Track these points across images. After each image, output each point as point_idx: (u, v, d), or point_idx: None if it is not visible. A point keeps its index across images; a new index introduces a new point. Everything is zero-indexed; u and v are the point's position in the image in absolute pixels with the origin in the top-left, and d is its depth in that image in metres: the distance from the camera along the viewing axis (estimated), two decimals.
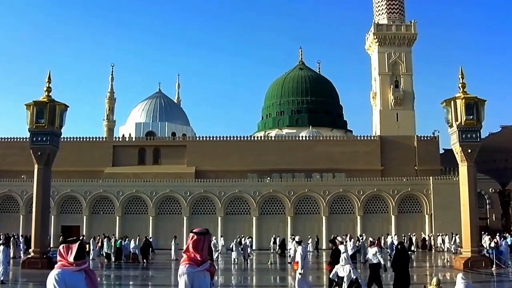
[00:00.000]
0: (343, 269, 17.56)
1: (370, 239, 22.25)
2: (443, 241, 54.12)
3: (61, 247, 5.94)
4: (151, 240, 45.69)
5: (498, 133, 58.73)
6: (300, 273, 17.72)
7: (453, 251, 48.37)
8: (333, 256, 19.58)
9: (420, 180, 62.39)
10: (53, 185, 41.62)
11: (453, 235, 50.94)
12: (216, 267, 17.96)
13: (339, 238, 21.74)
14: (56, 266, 5.91)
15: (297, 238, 19.88)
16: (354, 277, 16.92)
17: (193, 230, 6.47)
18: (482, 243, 42.20)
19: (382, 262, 19.65)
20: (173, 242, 44.73)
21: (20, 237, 49.58)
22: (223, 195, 60.77)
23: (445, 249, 52.12)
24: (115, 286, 29.14)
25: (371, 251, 19.97)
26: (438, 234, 55.80)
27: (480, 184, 53.22)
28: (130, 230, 56.13)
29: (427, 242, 56.41)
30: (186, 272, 6.12)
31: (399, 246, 19.70)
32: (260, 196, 60.86)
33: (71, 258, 5.83)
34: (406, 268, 18.71)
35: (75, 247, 5.89)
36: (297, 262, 17.88)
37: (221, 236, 51.69)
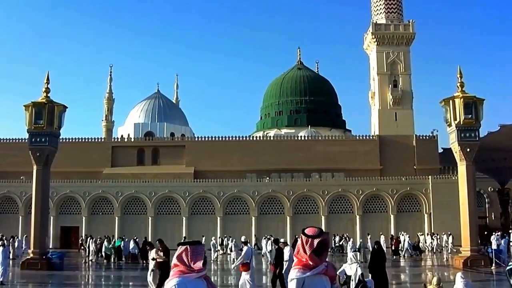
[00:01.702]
0: (350, 268, 17.54)
1: (282, 239, 22.02)
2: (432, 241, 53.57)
3: (181, 249, 5.21)
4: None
5: (497, 132, 58.61)
6: (244, 273, 17.64)
7: (448, 251, 48.39)
8: (277, 256, 19.51)
9: (419, 180, 62.47)
10: (52, 186, 41.65)
11: (447, 235, 51.10)
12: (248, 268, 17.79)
13: (281, 240, 21.59)
14: (172, 273, 5.18)
15: (243, 238, 19.75)
16: (360, 274, 16.88)
17: (305, 232, 5.64)
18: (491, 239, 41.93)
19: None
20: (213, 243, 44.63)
21: (15, 238, 49.58)
22: (222, 195, 60.79)
23: (434, 250, 51.64)
24: (115, 286, 29.15)
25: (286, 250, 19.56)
26: (426, 233, 55.48)
27: (479, 183, 53.14)
28: (129, 230, 56.07)
29: (421, 244, 55.76)
30: (295, 277, 5.46)
31: (375, 246, 19.37)
32: (259, 196, 60.89)
33: (197, 264, 5.14)
34: (383, 269, 18.40)
35: (202, 251, 5.23)
36: (246, 264, 17.73)
37: (225, 236, 51.68)
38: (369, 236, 50.02)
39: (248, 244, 19.03)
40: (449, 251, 48.14)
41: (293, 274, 5.48)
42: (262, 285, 24.44)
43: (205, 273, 5.24)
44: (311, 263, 5.44)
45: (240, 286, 17.73)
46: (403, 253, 45.85)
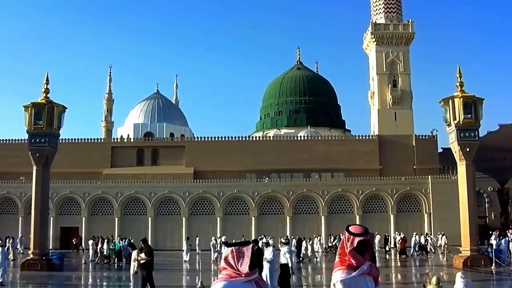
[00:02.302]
0: None
1: (282, 239, 21.83)
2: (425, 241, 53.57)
3: (228, 251, 4.88)
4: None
5: (497, 131, 58.64)
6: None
7: (441, 251, 48.41)
8: (256, 256, 19.34)
9: (419, 179, 62.47)
10: (51, 187, 41.63)
11: (441, 235, 51.18)
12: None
13: (264, 240, 21.39)
14: (220, 276, 4.86)
15: (223, 239, 19.64)
16: None
17: (349, 229, 5.35)
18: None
19: (290, 263, 18.75)
20: (185, 242, 44.60)
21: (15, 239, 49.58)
22: (222, 195, 60.77)
23: (428, 250, 51.68)
24: (115, 287, 29.15)
25: (282, 251, 19.36)
26: (420, 233, 55.37)
27: (478, 182, 53.28)
28: (129, 231, 56.11)
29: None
30: (340, 278, 5.18)
31: None
32: (259, 196, 60.88)
33: (243, 268, 4.79)
34: None
35: (247, 252, 4.85)
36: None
37: (220, 237, 51.58)
38: (416, 235, 50.23)
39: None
40: (442, 251, 48.16)
41: (338, 276, 5.21)
42: None
43: (256, 277, 4.89)
44: (353, 261, 5.20)
45: None
46: (410, 253, 46.04)
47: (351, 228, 5.31)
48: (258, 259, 16.31)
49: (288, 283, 18.54)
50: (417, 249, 46.92)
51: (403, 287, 28.26)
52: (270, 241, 20.03)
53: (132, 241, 41.70)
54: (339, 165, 67.50)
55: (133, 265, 19.72)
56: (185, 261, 41.13)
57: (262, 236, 45.72)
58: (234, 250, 4.85)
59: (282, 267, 18.67)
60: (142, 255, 19.56)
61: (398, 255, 45.24)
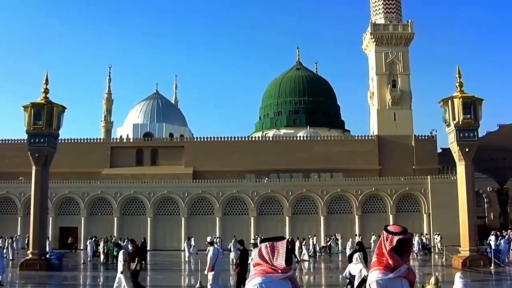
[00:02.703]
0: (355, 268, 17.49)
1: (252, 241, 21.77)
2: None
3: (262, 246, 4.71)
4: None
5: (496, 132, 58.71)
6: (210, 274, 17.55)
7: (436, 251, 48.51)
8: (241, 258, 19.32)
9: (418, 180, 62.47)
10: (51, 187, 41.62)
11: (436, 235, 51.36)
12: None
13: (251, 241, 21.31)
14: (254, 272, 4.69)
15: (208, 239, 19.56)
16: (366, 275, 16.82)
17: (387, 228, 5.14)
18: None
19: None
20: (186, 243, 44.58)
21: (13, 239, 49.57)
22: (221, 195, 60.76)
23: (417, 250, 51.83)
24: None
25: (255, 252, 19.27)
26: (373, 233, 55.48)
27: (478, 183, 53.33)
28: (128, 231, 56.13)
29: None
30: (376, 279, 4.99)
31: (357, 247, 19.05)
32: (258, 196, 60.87)
33: (279, 262, 4.60)
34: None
35: (282, 247, 4.66)
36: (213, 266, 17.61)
37: (215, 237, 51.60)
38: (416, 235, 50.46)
39: (215, 245, 18.74)
40: (436, 251, 48.18)
41: (374, 276, 5.01)
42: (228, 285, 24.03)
43: (291, 274, 4.74)
44: (391, 262, 4.98)
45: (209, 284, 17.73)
46: (414, 253, 46.13)
47: (389, 228, 5.12)
48: (245, 261, 16.30)
49: None
50: (420, 249, 47.03)
51: None
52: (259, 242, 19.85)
53: (126, 241, 41.86)
54: (339, 165, 67.50)
55: (120, 265, 19.57)
56: (186, 261, 41.13)
57: (256, 236, 45.74)
58: (268, 245, 4.67)
59: None
60: (125, 255, 19.46)
61: None
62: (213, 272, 17.47)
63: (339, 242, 51.71)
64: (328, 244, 51.30)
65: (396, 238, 4.96)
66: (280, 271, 4.58)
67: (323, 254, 50.31)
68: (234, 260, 38.19)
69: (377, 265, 5.04)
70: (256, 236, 43.55)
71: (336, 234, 55.32)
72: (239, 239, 21.68)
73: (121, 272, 19.29)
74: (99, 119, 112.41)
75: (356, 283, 17.28)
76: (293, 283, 4.74)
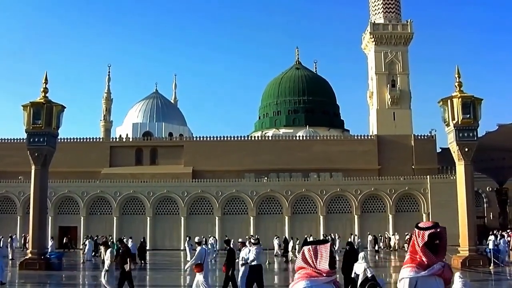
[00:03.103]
0: (359, 267, 17.49)
1: (240, 240, 21.65)
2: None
3: (305, 249, 4.64)
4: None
5: (495, 131, 58.76)
6: (198, 274, 17.50)
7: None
8: (228, 257, 19.28)
9: (418, 179, 62.45)
10: (50, 186, 41.58)
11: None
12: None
13: (240, 240, 21.24)
14: (298, 276, 4.61)
15: (196, 239, 19.45)
16: (370, 275, 16.79)
17: (418, 225, 5.02)
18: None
19: (255, 263, 18.57)
20: (186, 243, 44.52)
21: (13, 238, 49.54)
22: (220, 195, 60.73)
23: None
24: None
25: (251, 251, 19.21)
26: (406, 233, 55.54)
27: (477, 182, 53.28)
28: (128, 230, 56.14)
29: (391, 242, 56.31)
30: (407, 276, 4.87)
31: (347, 247, 18.92)
32: (257, 196, 60.85)
33: (323, 266, 4.52)
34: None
35: (326, 250, 4.58)
36: (200, 265, 17.57)
37: (210, 237, 51.57)
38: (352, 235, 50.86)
39: (203, 245, 18.67)
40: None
41: (405, 273, 4.89)
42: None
43: (336, 277, 4.64)
44: (424, 259, 4.84)
45: (194, 287, 17.62)
46: None
47: (420, 224, 5.02)
48: (232, 260, 16.22)
49: (260, 283, 18.51)
50: None
51: None
52: (252, 241, 19.74)
53: (119, 240, 41.80)
54: (338, 165, 67.48)
55: (107, 264, 19.51)
56: (188, 261, 41.10)
57: (250, 236, 45.66)
58: (311, 248, 4.60)
59: (252, 268, 18.62)
60: (108, 255, 19.42)
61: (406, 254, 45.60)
62: (203, 273, 17.42)
63: (336, 241, 51.67)
64: None
65: (427, 232, 4.87)
66: (324, 275, 4.50)
67: None
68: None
69: (409, 263, 4.93)
70: (251, 236, 43.47)
71: (331, 234, 55.04)
72: (225, 239, 21.61)
73: (107, 271, 19.24)
74: (98, 118, 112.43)
75: (359, 282, 17.28)
76: (338, 287, 4.66)
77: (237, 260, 19.67)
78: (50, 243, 46.38)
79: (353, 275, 17.77)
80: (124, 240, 42.14)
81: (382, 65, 78.00)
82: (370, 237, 56.07)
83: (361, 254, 17.63)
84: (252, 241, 19.69)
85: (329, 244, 4.62)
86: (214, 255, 41.15)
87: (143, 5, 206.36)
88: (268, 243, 53.54)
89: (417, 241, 4.91)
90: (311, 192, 61.30)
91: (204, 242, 50.28)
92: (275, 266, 37.98)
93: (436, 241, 4.88)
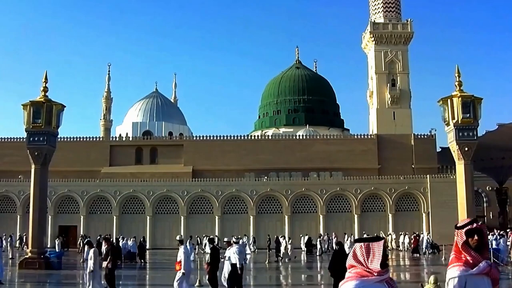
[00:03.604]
0: None
1: (226, 239, 21.63)
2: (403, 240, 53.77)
3: (357, 247, 4.46)
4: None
5: (495, 131, 58.77)
6: (183, 273, 17.52)
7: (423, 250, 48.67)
8: (212, 256, 19.24)
9: (417, 179, 62.42)
10: (50, 185, 41.58)
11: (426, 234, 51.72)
12: None
13: (226, 238, 21.20)
14: (348, 275, 4.46)
15: (178, 237, 19.40)
16: None
17: (456, 225, 4.89)
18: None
19: (238, 263, 18.65)
20: (188, 242, 44.50)
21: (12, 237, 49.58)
22: (220, 194, 60.72)
23: (405, 248, 52.07)
24: (117, 286, 29.06)
25: (231, 250, 19.28)
26: (400, 233, 55.51)
27: (477, 182, 53.26)
28: (128, 229, 56.21)
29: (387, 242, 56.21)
30: (456, 275, 4.73)
31: (336, 247, 18.77)
32: (257, 195, 60.83)
33: (375, 265, 4.35)
34: (345, 271, 17.84)
35: (378, 249, 4.39)
36: (179, 262, 17.57)
37: (204, 236, 51.59)
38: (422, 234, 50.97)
39: (186, 244, 18.61)
40: (423, 251, 48.15)
41: (453, 273, 4.76)
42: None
43: (388, 276, 4.45)
44: (469, 258, 4.73)
45: (175, 284, 17.68)
46: (423, 251, 46.20)
47: (458, 224, 4.89)
48: (216, 259, 16.28)
49: (238, 282, 18.57)
50: (429, 248, 47.11)
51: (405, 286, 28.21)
52: (234, 240, 19.81)
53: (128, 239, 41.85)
54: (338, 164, 67.47)
55: (90, 264, 19.43)
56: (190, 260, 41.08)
57: (239, 236, 45.57)
58: (363, 245, 4.41)
59: (233, 267, 18.67)
60: (105, 263, 19.36)
61: (411, 254, 46.08)
62: (184, 271, 17.41)
63: (333, 241, 51.53)
64: (313, 243, 50.99)
65: (463, 230, 4.78)
66: (375, 274, 4.34)
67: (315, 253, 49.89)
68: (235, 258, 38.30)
69: (455, 262, 4.82)
70: (239, 236, 43.46)
71: (324, 234, 54.62)
72: (210, 237, 21.60)
73: (92, 271, 19.18)
74: (98, 117, 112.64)
75: None
76: (391, 286, 4.47)
77: (222, 260, 19.65)
78: (56, 242, 46.51)
79: None
80: (125, 240, 42.46)
81: (382, 65, 78.03)
82: (365, 236, 55.75)
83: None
84: (234, 240, 19.81)
85: (382, 241, 4.45)
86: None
87: (143, 4, 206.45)
88: (262, 242, 53.44)
89: (458, 241, 4.81)
90: (311, 191, 61.29)
91: (199, 241, 50.26)
92: (279, 265, 37.91)
93: (475, 238, 4.77)
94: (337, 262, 17.46)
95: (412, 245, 47.83)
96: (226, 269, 18.69)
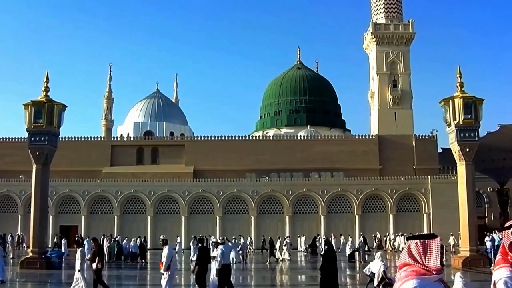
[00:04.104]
0: (375, 266, 17.52)
1: (213, 239, 21.60)
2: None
3: (412, 244, 4.27)
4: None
5: (496, 132, 58.66)
6: (166, 273, 17.50)
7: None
8: (200, 256, 19.20)
9: (419, 179, 62.42)
10: (51, 185, 41.63)
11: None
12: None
13: (212, 239, 21.27)
14: (405, 274, 4.25)
15: (162, 236, 19.42)
16: (383, 271, 16.83)
17: (505, 225, 4.67)
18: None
19: (216, 264, 18.61)
20: (191, 242, 44.48)
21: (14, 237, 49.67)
22: (221, 194, 60.76)
23: (401, 249, 51.81)
24: (114, 285, 29.10)
25: (216, 251, 19.31)
26: (396, 234, 55.39)
27: (478, 183, 53.14)
28: (129, 230, 56.30)
29: (382, 242, 55.90)
30: (503, 276, 4.50)
31: (326, 247, 18.71)
32: (258, 195, 60.86)
33: (434, 263, 4.18)
34: (335, 270, 17.75)
35: (436, 245, 4.24)
36: (162, 263, 17.57)
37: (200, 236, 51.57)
38: (318, 236, 51.74)
39: (170, 244, 18.52)
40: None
41: (502, 273, 4.52)
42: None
43: (442, 275, 4.28)
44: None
45: (163, 283, 17.64)
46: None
47: (506, 224, 4.64)
48: (205, 259, 16.32)
49: (228, 283, 18.65)
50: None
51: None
52: (219, 240, 19.92)
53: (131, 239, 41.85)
54: (339, 165, 67.45)
55: (78, 264, 19.38)
56: (191, 260, 41.08)
57: (224, 237, 45.52)
58: (419, 243, 4.23)
59: (225, 267, 18.75)
60: (94, 264, 19.33)
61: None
62: (169, 272, 17.40)
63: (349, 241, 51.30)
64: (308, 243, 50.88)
65: (510, 230, 4.55)
66: (434, 272, 4.16)
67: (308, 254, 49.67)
68: (235, 259, 38.38)
69: (502, 263, 4.57)
70: (224, 237, 43.51)
71: (318, 235, 54.29)
72: (199, 237, 21.60)
73: (79, 271, 19.16)
74: (99, 117, 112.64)
75: (376, 281, 17.32)
76: (446, 284, 4.32)
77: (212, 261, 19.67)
78: (63, 242, 46.46)
79: (368, 273, 17.79)
80: (125, 240, 42.48)
81: (383, 65, 78.00)
82: (361, 238, 55.47)
83: (377, 253, 17.69)
84: (219, 241, 19.85)
85: (439, 238, 4.29)
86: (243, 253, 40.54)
87: (144, 5, 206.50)
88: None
89: (505, 241, 4.62)
90: (312, 192, 61.31)
91: (198, 241, 50.18)
92: (272, 266, 37.89)
93: None
94: (328, 262, 17.46)
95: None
96: (214, 269, 18.88)
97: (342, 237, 52.92)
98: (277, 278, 31.76)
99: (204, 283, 18.77)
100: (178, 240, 50.98)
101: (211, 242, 39.19)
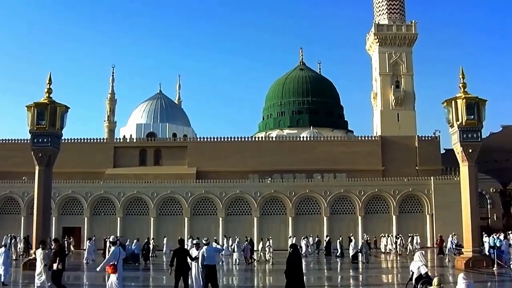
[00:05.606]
0: (415, 265, 17.59)
1: (194, 241, 21.67)
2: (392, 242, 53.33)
3: None
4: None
5: (499, 132, 58.72)
6: (114, 276, 17.33)
7: (399, 252, 48.45)
8: (177, 256, 19.00)
9: (421, 180, 62.35)
10: (54, 187, 41.61)
11: (397, 236, 51.50)
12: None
13: (195, 240, 21.42)
14: None
15: (111, 238, 19.28)
16: (424, 272, 16.90)
17: None
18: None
19: (193, 267, 18.51)
20: (189, 242, 44.45)
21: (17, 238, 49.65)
22: (224, 195, 60.77)
23: (387, 250, 51.56)
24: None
25: (201, 251, 19.32)
26: (381, 235, 55.21)
27: (481, 184, 53.12)
28: (131, 231, 56.33)
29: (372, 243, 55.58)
30: None
31: (291, 250, 18.61)
32: (261, 196, 60.85)
33: None
34: (300, 272, 17.67)
35: None
36: (114, 265, 17.34)
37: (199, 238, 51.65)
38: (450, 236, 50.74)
39: (116, 245, 18.39)
40: (413, 253, 47.98)
41: None
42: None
43: None
44: None
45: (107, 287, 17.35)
46: (446, 252, 45.99)
47: None
48: (179, 260, 16.29)
49: (212, 283, 18.77)
50: (454, 248, 46.83)
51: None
52: (204, 241, 20.00)
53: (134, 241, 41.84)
54: (342, 166, 67.35)
55: (38, 265, 19.28)
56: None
57: (207, 238, 45.51)
58: None
59: (209, 268, 18.81)
60: (39, 254, 19.24)
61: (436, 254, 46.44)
62: (116, 274, 17.14)
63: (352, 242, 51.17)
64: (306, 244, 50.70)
65: None
66: None
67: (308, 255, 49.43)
68: (238, 260, 38.39)
69: None
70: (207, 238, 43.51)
71: (308, 236, 53.97)
72: (179, 238, 21.59)
73: (39, 274, 19.10)
74: (102, 119, 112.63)
75: (414, 278, 17.38)
76: None
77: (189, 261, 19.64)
78: (66, 243, 46.51)
79: (411, 273, 17.84)
80: (128, 241, 42.48)
81: (386, 66, 77.97)
82: (359, 239, 55.14)
83: (417, 254, 17.81)
84: (204, 242, 19.92)
85: None
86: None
87: (147, 6, 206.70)
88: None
89: None
90: (315, 193, 61.29)
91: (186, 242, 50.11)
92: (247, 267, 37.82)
93: None
94: (292, 266, 17.32)
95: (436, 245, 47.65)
96: (195, 270, 19.26)
97: (341, 238, 52.41)
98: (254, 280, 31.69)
99: (183, 282, 18.74)
100: (165, 241, 52.23)
101: (189, 242, 39.36)
